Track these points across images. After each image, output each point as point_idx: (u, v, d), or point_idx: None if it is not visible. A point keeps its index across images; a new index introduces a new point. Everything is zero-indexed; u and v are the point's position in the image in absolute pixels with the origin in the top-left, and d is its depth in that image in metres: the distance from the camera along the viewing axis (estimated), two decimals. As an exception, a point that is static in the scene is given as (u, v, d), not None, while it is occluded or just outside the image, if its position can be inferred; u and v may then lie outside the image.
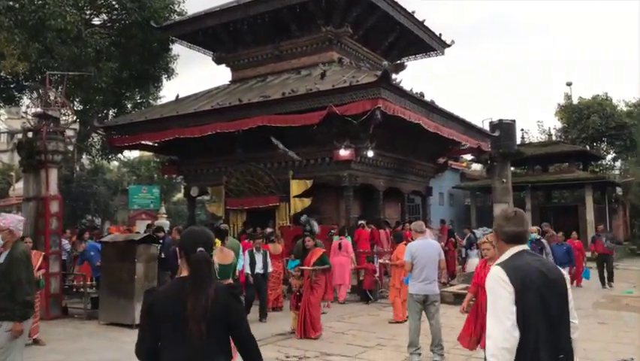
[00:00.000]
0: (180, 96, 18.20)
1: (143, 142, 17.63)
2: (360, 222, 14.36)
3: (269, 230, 12.87)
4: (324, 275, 8.80)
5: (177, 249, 2.80)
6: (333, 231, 13.06)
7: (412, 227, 8.01)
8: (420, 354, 7.13)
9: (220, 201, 16.45)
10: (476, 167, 35.00)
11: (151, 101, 23.63)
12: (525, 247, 2.87)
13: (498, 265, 2.77)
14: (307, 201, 14.92)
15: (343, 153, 13.97)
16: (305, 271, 8.70)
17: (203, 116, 15.14)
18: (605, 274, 14.86)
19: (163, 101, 22.91)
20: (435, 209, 24.62)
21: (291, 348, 7.83)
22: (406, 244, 10.30)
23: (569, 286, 2.84)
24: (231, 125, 14.45)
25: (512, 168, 24.90)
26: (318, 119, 13.16)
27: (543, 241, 10.69)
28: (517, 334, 2.58)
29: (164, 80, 23.10)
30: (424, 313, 7.37)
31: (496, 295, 2.67)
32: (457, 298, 11.73)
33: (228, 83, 18.66)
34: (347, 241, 12.39)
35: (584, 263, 15.19)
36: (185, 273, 2.69)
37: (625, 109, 37.31)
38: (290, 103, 13.82)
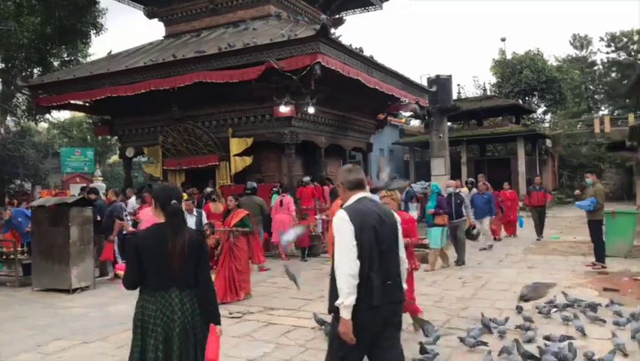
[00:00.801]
0: (112, 53, 17.35)
1: (72, 102, 16.76)
2: (305, 178, 14.40)
3: (209, 189, 12.68)
4: (246, 238, 8.44)
5: (154, 200, 3.54)
6: (275, 189, 13.02)
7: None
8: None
9: (157, 162, 16.04)
10: (415, 123, 35.64)
11: (80, 58, 22.47)
12: (365, 193, 3.53)
13: (342, 208, 3.38)
14: (248, 160, 14.77)
15: (284, 109, 13.80)
16: (225, 232, 8.27)
17: (136, 74, 14.52)
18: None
19: (93, 58, 21.87)
20: (376, 165, 25.00)
21: (235, 305, 7.85)
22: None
23: (399, 228, 3.54)
24: (166, 82, 13.94)
25: (449, 123, 25.49)
26: (256, 74, 12.89)
27: (462, 194, 11.18)
28: (358, 262, 3.21)
29: (93, 36, 21.94)
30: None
31: (341, 233, 3.28)
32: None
33: (162, 38, 17.91)
34: (289, 198, 12.39)
35: (517, 213, 15.51)
36: (160, 220, 3.45)
37: (555, 64, 38.71)
38: (226, 58, 13.44)
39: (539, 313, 6.69)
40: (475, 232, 11.41)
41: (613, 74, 43.47)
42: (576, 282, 8.90)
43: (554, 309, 6.79)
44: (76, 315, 7.66)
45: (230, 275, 8.09)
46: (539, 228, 14.73)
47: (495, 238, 14.45)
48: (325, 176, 16.08)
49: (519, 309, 6.79)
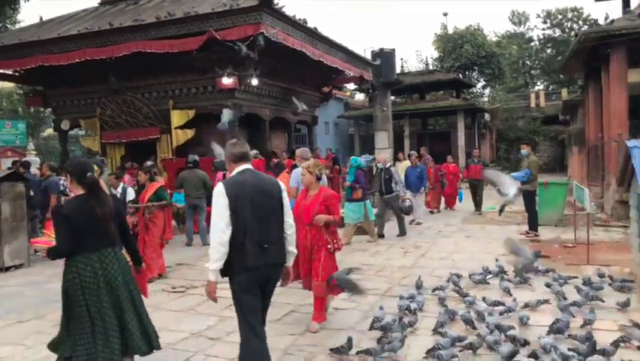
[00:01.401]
0: (43, 19, 16.42)
1: (0, 71, 15.82)
2: (253, 151, 14.21)
3: (149, 163, 12.35)
4: (162, 212, 8.10)
5: (69, 175, 3.94)
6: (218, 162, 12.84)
7: (298, 154, 8.10)
8: (305, 275, 7.41)
9: (95, 135, 15.43)
10: (359, 96, 35.85)
11: (8, 25, 21.15)
12: (248, 165, 3.85)
13: (221, 182, 3.75)
14: (190, 133, 14.45)
15: (226, 81, 13.52)
16: (141, 208, 7.97)
17: (70, 42, 13.79)
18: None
19: (23, 25, 20.65)
20: (321, 138, 25.06)
21: (177, 279, 7.77)
22: (288, 173, 10.45)
23: (284, 195, 3.90)
24: (102, 51, 13.33)
25: (392, 97, 25.79)
26: (197, 44, 12.52)
27: (392, 169, 11.14)
28: (228, 232, 3.56)
29: (22, 2, 20.66)
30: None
31: (216, 205, 3.63)
32: (342, 222, 12.21)
33: (97, 5, 17.05)
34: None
35: (458, 186, 15.80)
36: (79, 192, 3.82)
37: (494, 39, 39.69)
38: (166, 27, 12.96)
39: (476, 280, 6.98)
40: (406, 205, 11.31)
41: (548, 50, 44.99)
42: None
43: (489, 276, 7.11)
44: (10, 294, 7.38)
45: (142, 250, 7.57)
46: (477, 201, 14.70)
47: (433, 211, 14.86)
48: (270, 149, 15.98)
49: (456, 276, 7.04)
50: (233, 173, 3.83)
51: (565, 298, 5.78)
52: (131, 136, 14.67)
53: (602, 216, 12.43)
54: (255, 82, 14.14)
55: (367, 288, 6.80)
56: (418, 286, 6.52)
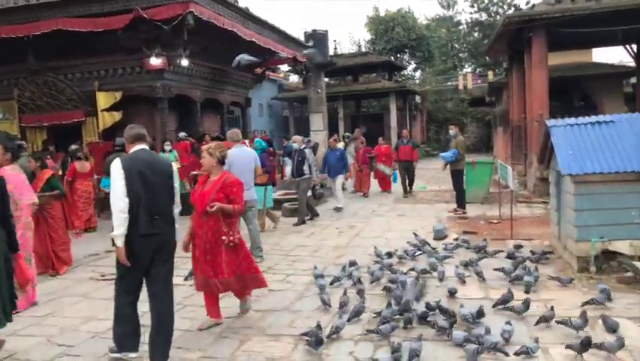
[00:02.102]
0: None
1: None
2: (181, 134, 13.83)
3: (74, 147, 11.82)
4: (60, 203, 7.39)
5: None
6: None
7: (228, 135, 7.99)
8: (240, 258, 7.37)
9: (13, 118, 14.54)
10: (294, 78, 35.69)
11: None
12: (144, 145, 4.28)
13: (118, 158, 4.17)
14: (117, 115, 13.91)
15: (154, 61, 13.08)
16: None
17: (-18, 18, 12.89)
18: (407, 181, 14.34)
19: None
20: (255, 120, 24.80)
21: (107, 267, 7.52)
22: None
23: (175, 174, 4.36)
24: (19, 29, 12.52)
25: (326, 79, 25.86)
26: (124, 23, 11.99)
27: (305, 151, 10.51)
28: (126, 200, 3.99)
29: None
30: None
31: (113, 177, 4.06)
32: (277, 205, 12.20)
33: (12, -21, 15.98)
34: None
35: (392, 168, 15.15)
36: None
37: (424, 22, 40.46)
38: (90, 5, 12.35)
39: (407, 256, 7.19)
40: (317, 190, 10.86)
41: (475, 34, 46.34)
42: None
43: (418, 252, 7.36)
44: None
45: (43, 246, 7.13)
46: (407, 183, 14.27)
47: (364, 195, 14.61)
48: (202, 132, 15.66)
49: (389, 254, 7.22)
50: (130, 151, 4.27)
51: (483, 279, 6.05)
52: (53, 119, 13.93)
53: (525, 193, 13.07)
54: (184, 63, 13.76)
55: (302, 269, 6.90)
56: (352, 264, 6.62)
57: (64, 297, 6.21)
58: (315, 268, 6.38)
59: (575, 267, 6.14)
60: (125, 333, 4.20)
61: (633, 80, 19.66)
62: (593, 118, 6.59)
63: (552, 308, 4.67)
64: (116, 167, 4.06)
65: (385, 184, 15.42)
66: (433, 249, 7.49)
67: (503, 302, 5.02)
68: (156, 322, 4.12)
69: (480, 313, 4.61)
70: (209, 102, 16.92)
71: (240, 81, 18.97)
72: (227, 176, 4.96)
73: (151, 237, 4.06)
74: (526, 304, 4.82)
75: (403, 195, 14.14)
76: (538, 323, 4.58)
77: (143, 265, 4.12)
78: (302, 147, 10.60)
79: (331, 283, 5.97)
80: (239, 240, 4.90)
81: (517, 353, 3.96)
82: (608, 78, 18.94)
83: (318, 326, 4.43)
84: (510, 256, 6.81)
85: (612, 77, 19.22)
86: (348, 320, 4.78)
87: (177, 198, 4.38)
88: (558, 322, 4.44)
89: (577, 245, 6.11)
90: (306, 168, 10.45)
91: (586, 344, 3.84)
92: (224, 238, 4.78)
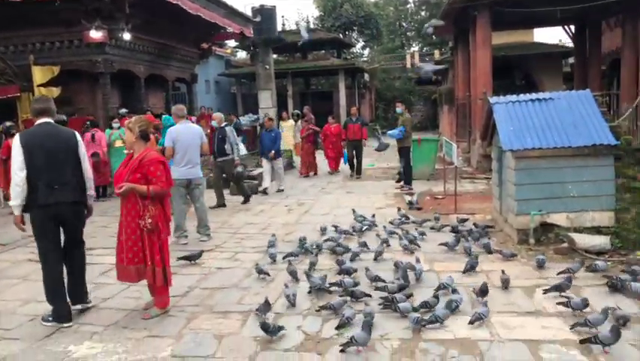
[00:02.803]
0: None
1: None
2: (122, 110, 13.40)
3: (8, 124, 11.22)
4: None
5: None
6: (88, 123, 12.00)
7: (173, 111, 7.79)
8: (186, 237, 7.26)
9: (-60, 93, 13.66)
10: (242, 55, 35.07)
11: None
12: (48, 119, 4.52)
13: (18, 133, 4.56)
14: (56, 91, 13.21)
15: (95, 34, 12.55)
16: None
17: None
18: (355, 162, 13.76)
19: None
20: (201, 97, 24.27)
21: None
22: (153, 134, 10.01)
23: (80, 145, 4.61)
24: (-58, -4, 11.73)
25: (274, 55, 25.55)
26: (61, -7, 11.44)
27: (226, 129, 9.81)
28: (22, 174, 4.29)
29: None
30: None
31: (13, 152, 4.33)
32: (225, 183, 12.06)
33: None
34: (101, 133, 11.57)
35: (342, 148, 14.31)
36: None
37: (373, 0, 40.45)
38: (22, -27, 11.68)
39: (354, 230, 7.29)
40: (238, 170, 10.22)
41: (423, 13, 46.85)
42: (387, 203, 9.80)
43: (365, 227, 7.47)
44: None
45: None
46: (357, 163, 13.70)
47: (308, 175, 14.13)
48: (147, 108, 15.21)
49: (335, 228, 7.29)
50: (35, 125, 4.51)
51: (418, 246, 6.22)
52: (-15, 95, 13.18)
53: (469, 170, 13.44)
54: (127, 36, 13.27)
55: (251, 247, 6.88)
56: (301, 240, 6.66)
57: (2, 279, 5.96)
58: (273, 235, 6.81)
59: (516, 239, 6.39)
60: (55, 290, 4.51)
61: (571, 59, 20.39)
62: (534, 95, 6.81)
63: (503, 272, 5.01)
64: (16, 142, 4.35)
65: (334, 164, 14.80)
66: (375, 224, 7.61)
67: (471, 269, 5.38)
68: (70, 268, 4.68)
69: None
70: (154, 78, 16.42)
71: (186, 57, 18.48)
72: (146, 154, 4.54)
73: (49, 207, 4.36)
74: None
75: (350, 174, 13.74)
76: (505, 287, 4.88)
77: (51, 230, 4.46)
78: (222, 125, 9.92)
79: (284, 258, 6.06)
80: (152, 225, 4.44)
81: (471, 322, 4.12)
82: (548, 58, 19.60)
83: (267, 303, 4.45)
84: (454, 230, 7.00)
85: (552, 56, 19.89)
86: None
87: (87, 164, 4.68)
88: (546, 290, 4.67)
89: (517, 218, 6.35)
90: (227, 147, 9.70)
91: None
92: (140, 221, 4.45)
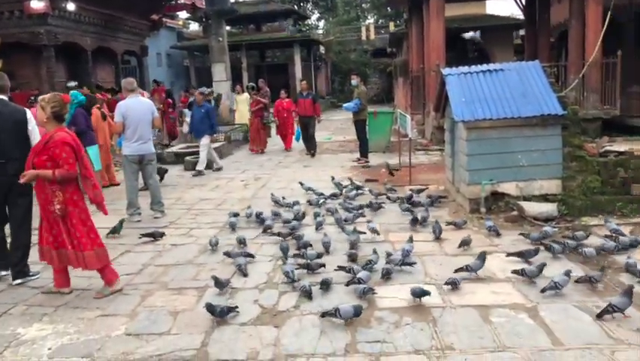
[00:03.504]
0: None
1: None
2: (69, 84, 12.91)
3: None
4: None
5: None
6: (33, 97, 11.49)
7: (123, 85, 7.54)
8: (140, 214, 7.11)
9: None
10: (194, 27, 34.17)
11: None
12: (3, 97, 4.84)
13: None
14: (-4, 64, 12.66)
15: (36, 5, 11.99)
16: None
17: None
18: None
19: None
20: (153, 71, 23.61)
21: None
22: (99, 108, 9.72)
23: (30, 122, 4.82)
24: None
25: (228, 28, 25.02)
26: (-3, -40, 10.82)
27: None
28: None
29: None
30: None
31: None
32: (179, 158, 11.86)
33: None
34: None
35: (295, 125, 13.54)
36: None
37: (327, -29, 40.00)
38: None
39: (310, 204, 7.31)
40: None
41: (378, -16, 46.73)
42: (344, 175, 9.84)
43: (322, 200, 7.50)
44: None
45: None
46: (310, 141, 12.74)
47: (257, 152, 13.49)
48: (95, 82, 14.71)
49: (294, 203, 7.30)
50: None
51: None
52: None
53: (423, 142, 13.60)
54: (71, 7, 12.75)
55: (206, 222, 6.81)
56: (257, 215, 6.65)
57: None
58: (250, 208, 6.96)
59: (467, 208, 6.54)
60: None
61: (522, 32, 20.75)
62: (485, 67, 6.91)
63: (469, 236, 5.27)
64: None
65: (287, 141, 13.92)
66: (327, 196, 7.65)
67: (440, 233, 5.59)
68: (14, 243, 4.87)
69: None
70: (102, 51, 15.86)
71: (135, 28, 17.89)
72: (53, 134, 4.25)
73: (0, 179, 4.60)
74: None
75: (306, 154, 12.80)
76: (460, 246, 5.17)
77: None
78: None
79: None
80: (61, 211, 4.24)
81: (447, 283, 4.29)
82: (500, 30, 19.87)
83: (219, 282, 4.44)
84: (408, 201, 7.11)
85: (503, 28, 20.17)
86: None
87: (34, 141, 4.70)
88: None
89: (469, 188, 6.49)
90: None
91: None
92: (49, 207, 4.28)
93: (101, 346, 3.61)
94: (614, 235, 5.18)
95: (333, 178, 8.84)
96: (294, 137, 13.78)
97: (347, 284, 4.36)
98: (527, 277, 4.34)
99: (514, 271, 4.42)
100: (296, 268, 4.70)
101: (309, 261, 4.84)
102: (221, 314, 3.87)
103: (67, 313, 4.16)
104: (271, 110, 14.10)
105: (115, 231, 6.19)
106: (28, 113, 4.90)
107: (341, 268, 4.65)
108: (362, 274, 4.39)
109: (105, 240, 5.03)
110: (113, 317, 4.07)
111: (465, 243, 5.19)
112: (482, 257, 4.55)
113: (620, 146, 7.91)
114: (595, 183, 6.35)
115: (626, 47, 12.76)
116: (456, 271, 4.48)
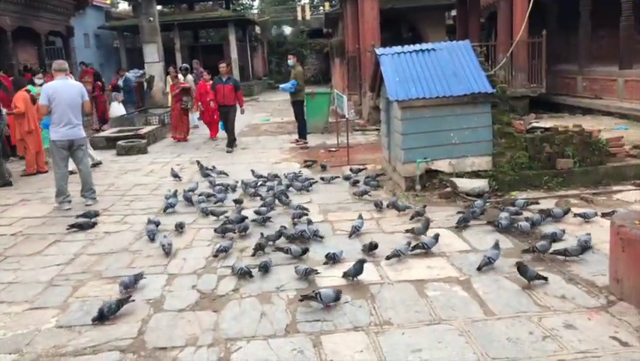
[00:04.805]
0: None
1: None
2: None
3: None
4: None
5: None
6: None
7: (53, 66, 7.12)
8: (70, 202, 6.81)
9: None
10: (123, 6, 32.78)
11: None
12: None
13: None
14: None
15: (-55, -19, 11.10)
16: None
17: None
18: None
19: None
20: (80, 52, 22.52)
21: None
22: (27, 91, 9.24)
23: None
24: None
25: (159, 7, 24.16)
26: None
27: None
28: None
29: None
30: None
31: None
32: (109, 142, 11.46)
33: None
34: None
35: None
36: None
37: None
38: None
39: (249, 187, 7.24)
40: None
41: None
42: (283, 157, 9.82)
43: (260, 182, 7.47)
44: None
45: None
46: (229, 133, 11.12)
47: (178, 140, 12.42)
48: (19, 64, 13.89)
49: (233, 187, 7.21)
50: None
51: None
52: None
53: (360, 122, 13.72)
54: (-14, -17, 11.89)
55: (140, 208, 6.63)
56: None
57: None
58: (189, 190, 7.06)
59: (403, 186, 6.67)
60: None
61: (454, 12, 21.22)
62: (417, 46, 7.01)
63: (424, 206, 5.64)
64: None
65: (212, 129, 12.56)
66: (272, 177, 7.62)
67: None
68: None
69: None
70: (24, 31, 14.97)
71: (58, 7, 16.97)
72: None
73: None
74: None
75: (227, 150, 10.92)
76: (412, 218, 5.50)
77: None
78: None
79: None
80: None
81: (388, 257, 4.46)
82: (433, 11, 20.21)
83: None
84: (347, 179, 7.21)
85: (436, 9, 20.52)
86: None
87: None
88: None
89: (404, 166, 6.61)
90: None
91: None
92: None
93: (30, 341, 3.46)
94: (546, 209, 5.44)
95: (253, 172, 8.04)
96: (219, 125, 12.27)
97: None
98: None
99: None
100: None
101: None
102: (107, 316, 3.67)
103: (-7, 309, 3.96)
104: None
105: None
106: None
107: (279, 249, 4.68)
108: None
109: (31, 230, 4.81)
110: (42, 310, 3.90)
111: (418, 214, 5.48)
112: (436, 236, 4.71)
113: (546, 122, 8.28)
114: (523, 158, 6.62)
115: (550, 27, 13.32)
116: (412, 248, 4.56)
